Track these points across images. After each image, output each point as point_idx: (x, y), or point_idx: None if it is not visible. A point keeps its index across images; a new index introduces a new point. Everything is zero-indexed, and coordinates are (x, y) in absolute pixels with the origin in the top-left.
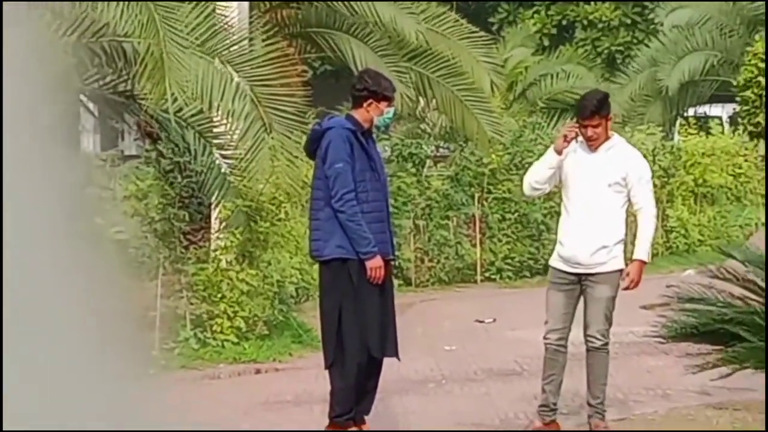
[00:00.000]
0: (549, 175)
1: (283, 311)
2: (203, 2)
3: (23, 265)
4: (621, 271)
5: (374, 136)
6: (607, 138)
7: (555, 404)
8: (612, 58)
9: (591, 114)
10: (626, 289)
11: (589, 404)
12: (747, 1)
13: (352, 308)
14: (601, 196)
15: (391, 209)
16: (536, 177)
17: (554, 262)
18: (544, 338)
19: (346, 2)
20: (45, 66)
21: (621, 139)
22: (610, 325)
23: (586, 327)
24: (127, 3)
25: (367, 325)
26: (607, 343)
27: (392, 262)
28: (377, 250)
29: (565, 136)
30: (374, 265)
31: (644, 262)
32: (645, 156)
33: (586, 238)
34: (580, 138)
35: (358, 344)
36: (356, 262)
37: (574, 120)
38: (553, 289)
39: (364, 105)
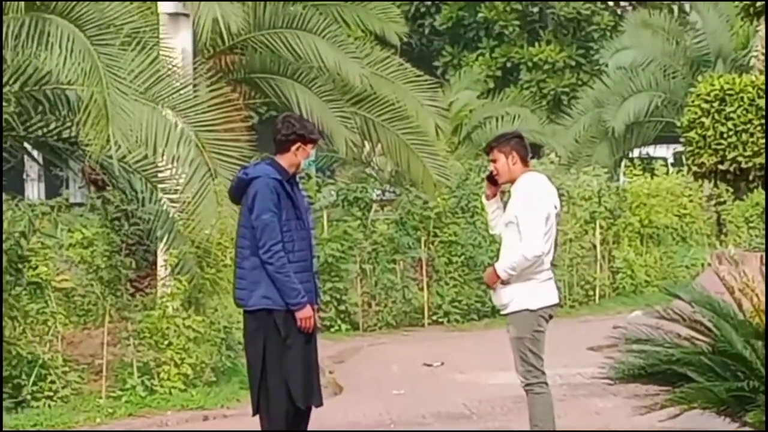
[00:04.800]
0: (490, 219)
1: (230, 357)
2: (147, 49)
3: None
4: (528, 310)
5: (298, 180)
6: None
7: None
8: (558, 99)
9: (489, 149)
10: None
11: None
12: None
13: (276, 358)
14: (503, 235)
15: (336, 254)
16: (489, 223)
17: None
18: None
19: (289, 48)
20: None
21: (530, 176)
22: (532, 365)
23: None
24: (69, 51)
25: (291, 375)
26: (530, 384)
27: (318, 311)
28: (306, 300)
29: (484, 180)
30: (304, 315)
31: (497, 273)
32: (590, 198)
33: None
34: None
35: (283, 393)
36: (282, 313)
37: None
38: None
39: (292, 149)
